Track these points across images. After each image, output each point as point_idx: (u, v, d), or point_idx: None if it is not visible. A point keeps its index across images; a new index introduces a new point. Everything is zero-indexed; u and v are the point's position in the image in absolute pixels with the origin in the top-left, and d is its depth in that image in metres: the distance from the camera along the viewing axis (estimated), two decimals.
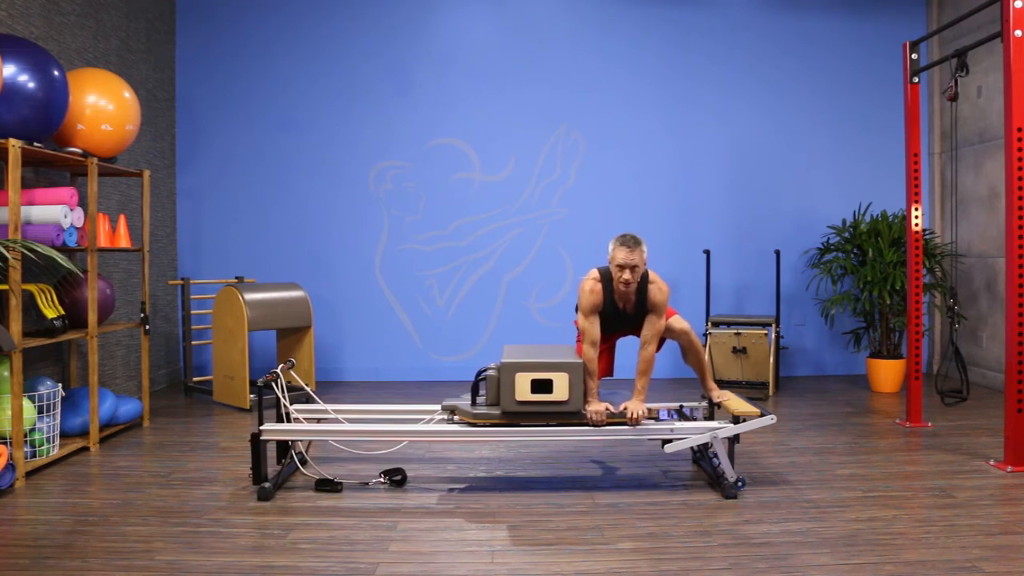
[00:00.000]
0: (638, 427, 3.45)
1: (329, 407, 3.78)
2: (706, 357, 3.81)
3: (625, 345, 3.95)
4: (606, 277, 3.56)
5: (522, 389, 3.35)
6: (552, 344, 3.98)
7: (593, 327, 3.54)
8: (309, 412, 3.80)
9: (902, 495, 3.41)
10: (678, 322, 3.68)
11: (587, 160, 6.55)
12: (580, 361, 3.43)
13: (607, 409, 3.45)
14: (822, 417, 5.02)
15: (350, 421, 3.75)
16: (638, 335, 3.66)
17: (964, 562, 2.66)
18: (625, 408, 3.46)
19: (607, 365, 3.83)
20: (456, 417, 3.54)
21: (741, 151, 6.60)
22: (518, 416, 3.41)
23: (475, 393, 3.55)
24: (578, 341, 3.67)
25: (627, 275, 3.46)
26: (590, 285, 3.55)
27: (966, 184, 6.34)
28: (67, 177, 4.69)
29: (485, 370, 3.50)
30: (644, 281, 3.53)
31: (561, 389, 3.36)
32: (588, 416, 3.42)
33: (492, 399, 3.47)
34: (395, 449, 3.96)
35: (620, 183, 6.55)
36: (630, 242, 3.46)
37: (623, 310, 3.60)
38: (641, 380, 3.55)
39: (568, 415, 3.42)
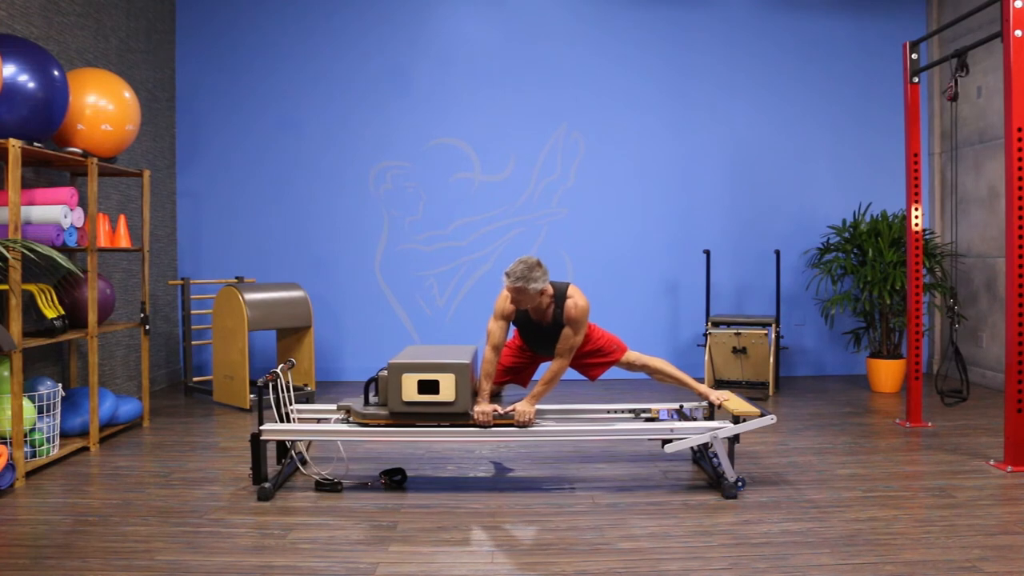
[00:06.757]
0: (527, 428, 3.46)
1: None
2: (677, 370, 3.79)
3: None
4: None
5: (409, 390, 3.38)
6: (459, 345, 3.95)
7: (499, 331, 3.57)
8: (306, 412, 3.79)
9: (902, 495, 3.41)
10: (630, 356, 3.74)
11: (587, 160, 6.54)
12: (467, 362, 3.43)
13: (495, 410, 3.46)
14: (822, 417, 5.02)
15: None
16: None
17: (964, 562, 2.66)
18: (512, 410, 3.47)
19: (523, 379, 3.84)
20: (350, 417, 3.56)
21: (741, 151, 6.60)
22: (405, 416, 3.44)
23: (367, 393, 3.60)
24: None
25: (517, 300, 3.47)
26: (506, 293, 3.54)
27: (966, 184, 6.34)
28: (67, 177, 4.69)
29: (381, 370, 3.53)
30: (562, 297, 3.51)
31: (448, 390, 3.39)
32: (474, 416, 3.44)
33: (382, 399, 3.51)
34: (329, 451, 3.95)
35: (620, 183, 6.55)
36: (516, 278, 3.36)
37: (538, 322, 3.59)
38: (540, 386, 3.54)
39: (455, 416, 3.44)
